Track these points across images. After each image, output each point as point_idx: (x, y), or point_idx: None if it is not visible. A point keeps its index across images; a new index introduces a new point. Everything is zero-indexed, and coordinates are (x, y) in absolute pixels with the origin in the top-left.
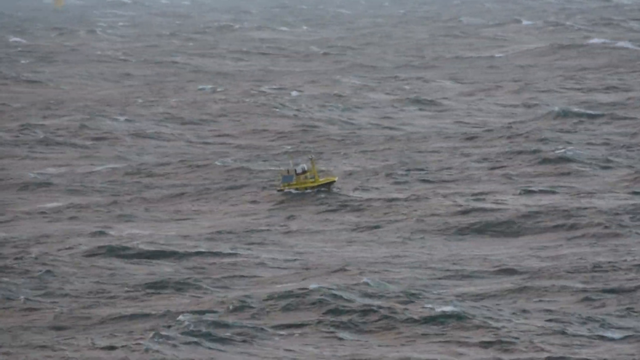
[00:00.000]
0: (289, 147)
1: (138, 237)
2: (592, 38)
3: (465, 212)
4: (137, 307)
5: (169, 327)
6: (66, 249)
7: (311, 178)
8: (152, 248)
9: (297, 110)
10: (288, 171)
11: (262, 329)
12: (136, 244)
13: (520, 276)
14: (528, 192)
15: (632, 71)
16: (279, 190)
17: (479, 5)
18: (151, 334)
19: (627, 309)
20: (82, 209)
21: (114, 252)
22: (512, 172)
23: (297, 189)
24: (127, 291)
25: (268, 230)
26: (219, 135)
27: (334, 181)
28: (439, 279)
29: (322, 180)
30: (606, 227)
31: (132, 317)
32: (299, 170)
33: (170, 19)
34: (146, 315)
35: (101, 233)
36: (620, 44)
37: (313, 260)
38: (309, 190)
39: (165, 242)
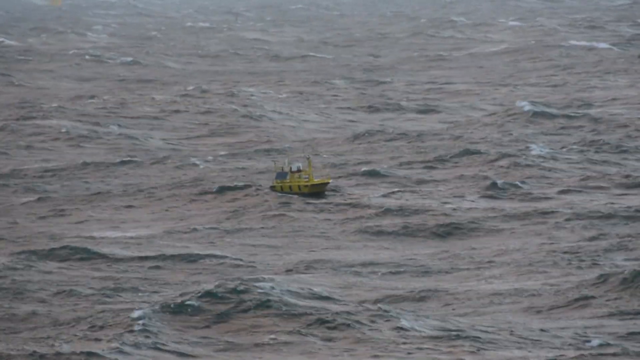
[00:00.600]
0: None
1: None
2: (571, 39)
3: (398, 214)
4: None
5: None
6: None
7: (305, 177)
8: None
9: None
10: (282, 168)
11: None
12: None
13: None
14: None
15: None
16: (271, 187)
17: (471, 5)
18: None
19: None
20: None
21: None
22: (467, 173)
23: (290, 187)
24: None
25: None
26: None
27: (328, 182)
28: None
29: (317, 180)
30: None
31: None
32: (294, 168)
33: (161, 19)
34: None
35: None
36: (601, 45)
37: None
38: (298, 195)
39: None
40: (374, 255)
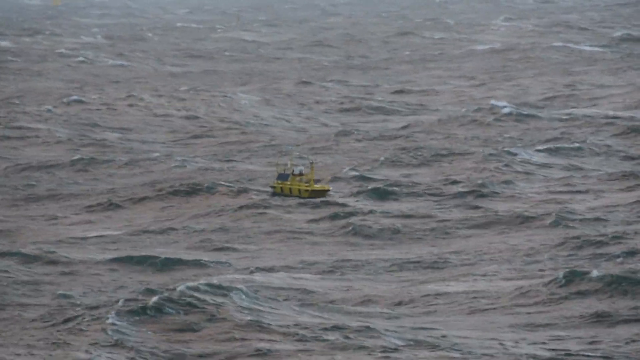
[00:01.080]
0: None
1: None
2: (559, 40)
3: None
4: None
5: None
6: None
7: (306, 182)
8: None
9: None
10: (285, 170)
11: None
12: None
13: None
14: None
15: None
16: (271, 187)
17: (464, 6)
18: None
19: None
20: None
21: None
22: (451, 175)
23: (290, 190)
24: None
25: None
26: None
27: (329, 190)
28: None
29: (317, 187)
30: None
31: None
32: (296, 171)
33: (156, 20)
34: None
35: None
36: (580, 46)
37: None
38: (300, 198)
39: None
40: (349, 256)
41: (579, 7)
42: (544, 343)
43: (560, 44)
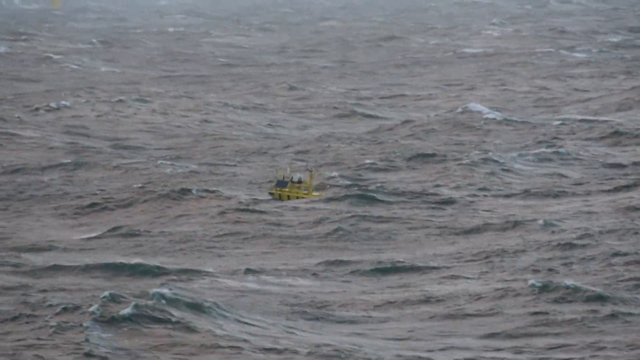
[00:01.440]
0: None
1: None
2: (545, 46)
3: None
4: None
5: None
6: None
7: (305, 190)
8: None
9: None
10: (284, 177)
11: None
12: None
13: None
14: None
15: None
16: (270, 194)
17: (454, 10)
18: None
19: None
20: None
21: None
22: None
23: (288, 197)
24: None
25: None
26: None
27: None
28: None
29: (316, 194)
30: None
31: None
32: (295, 178)
33: (150, 22)
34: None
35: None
36: (570, 52)
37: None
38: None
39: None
40: (333, 259)
41: (572, 12)
42: (514, 349)
43: (550, 49)
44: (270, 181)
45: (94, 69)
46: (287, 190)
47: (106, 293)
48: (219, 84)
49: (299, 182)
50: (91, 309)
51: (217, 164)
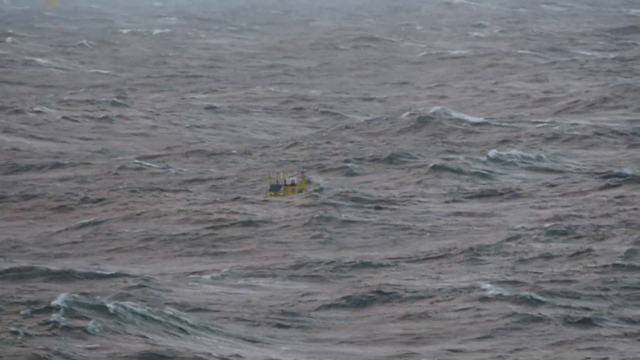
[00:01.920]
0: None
1: None
2: (526, 48)
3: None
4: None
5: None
6: None
7: (299, 192)
8: None
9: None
10: (277, 181)
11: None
12: None
13: None
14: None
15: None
16: (264, 200)
17: (444, 10)
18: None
19: None
20: None
21: None
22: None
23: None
24: None
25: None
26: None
27: None
28: None
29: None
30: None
31: None
32: (288, 181)
33: (143, 23)
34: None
35: None
36: (544, 53)
37: None
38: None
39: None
40: (310, 259)
41: (558, 14)
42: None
43: (530, 51)
44: (256, 187)
45: (77, 70)
46: (281, 193)
47: (53, 296)
48: (206, 85)
49: (293, 184)
50: (27, 312)
51: (199, 165)
